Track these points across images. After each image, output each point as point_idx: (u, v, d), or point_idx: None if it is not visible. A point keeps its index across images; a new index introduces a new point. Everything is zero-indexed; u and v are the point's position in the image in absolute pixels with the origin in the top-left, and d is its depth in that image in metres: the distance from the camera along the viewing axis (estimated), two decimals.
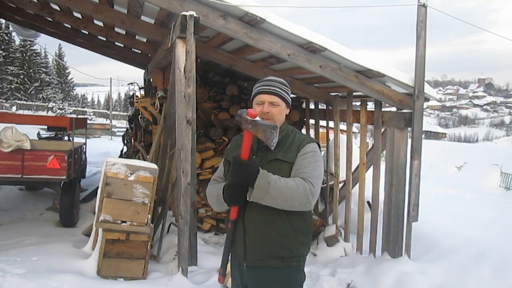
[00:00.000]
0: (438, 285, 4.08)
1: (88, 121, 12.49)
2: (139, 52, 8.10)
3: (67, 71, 51.62)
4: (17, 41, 38.08)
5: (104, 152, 13.85)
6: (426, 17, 4.40)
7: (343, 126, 6.08)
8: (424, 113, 4.88)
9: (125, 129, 12.64)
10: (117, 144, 16.38)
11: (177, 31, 3.89)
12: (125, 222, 4.08)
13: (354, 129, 7.95)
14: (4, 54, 36.88)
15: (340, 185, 6.11)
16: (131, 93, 9.29)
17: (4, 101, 33.36)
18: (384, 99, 4.76)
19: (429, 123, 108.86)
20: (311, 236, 2.15)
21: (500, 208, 9.90)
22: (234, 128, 6.36)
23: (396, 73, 4.52)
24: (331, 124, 6.25)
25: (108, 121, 34.84)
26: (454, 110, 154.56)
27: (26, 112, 30.82)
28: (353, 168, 5.66)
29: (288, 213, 1.95)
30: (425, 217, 5.27)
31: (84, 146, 7.85)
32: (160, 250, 4.76)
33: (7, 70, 37.62)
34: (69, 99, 51.19)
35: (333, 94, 6.00)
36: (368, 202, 6.10)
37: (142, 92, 8.15)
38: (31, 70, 39.26)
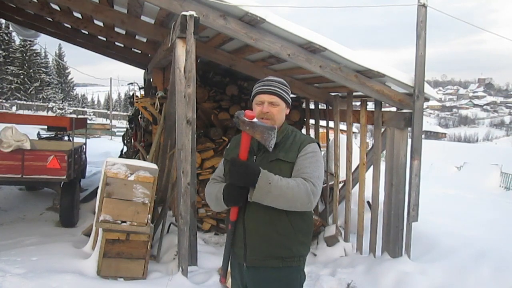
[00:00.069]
0: (438, 285, 4.08)
1: (88, 121, 12.49)
2: (139, 52, 8.10)
3: (67, 71, 51.63)
4: (17, 41, 38.10)
5: (104, 152, 13.85)
6: (426, 17, 4.40)
7: (343, 126, 6.08)
8: (424, 113, 4.88)
9: (125, 129, 12.64)
10: (117, 144, 16.38)
11: (177, 31, 3.89)
12: (125, 222, 4.08)
13: (354, 129, 7.96)
14: (4, 54, 36.88)
15: (340, 185, 6.11)
16: (131, 93, 9.29)
17: (4, 101, 33.36)
18: (384, 99, 4.76)
19: (429, 123, 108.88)
20: (311, 236, 2.15)
21: (500, 208, 9.90)
22: (234, 128, 6.36)
23: (396, 73, 4.52)
24: (331, 124, 6.25)
25: (108, 121, 34.85)
26: (454, 110, 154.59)
27: (26, 112, 30.82)
28: (353, 168, 5.66)
29: (288, 213, 1.95)
30: (425, 217, 5.27)
31: (84, 146, 7.85)
32: (160, 250, 4.76)
33: (7, 70, 37.62)
34: (69, 99, 51.19)
35: (333, 94, 6.00)
36: (368, 202, 6.10)
37: (142, 92, 8.15)
38: (31, 70, 39.26)
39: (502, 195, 13.40)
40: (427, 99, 4.73)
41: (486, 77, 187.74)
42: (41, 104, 37.20)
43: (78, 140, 7.82)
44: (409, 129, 4.69)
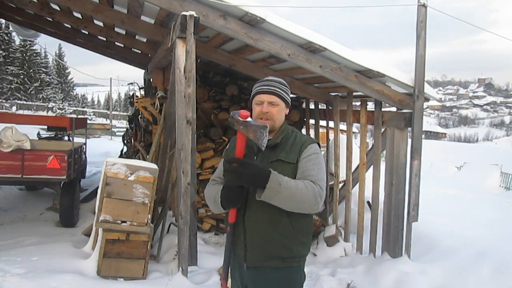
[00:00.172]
0: (438, 285, 4.08)
1: (88, 121, 12.49)
2: (139, 52, 8.10)
3: (67, 71, 51.61)
4: (17, 41, 38.10)
5: (104, 152, 13.86)
6: (426, 17, 4.40)
7: (343, 126, 6.08)
8: (424, 113, 4.88)
9: (125, 129, 12.64)
10: (117, 144, 16.38)
11: (177, 31, 3.89)
12: (125, 222, 4.08)
13: (354, 129, 7.96)
14: (4, 54, 36.88)
15: (340, 185, 6.11)
16: (131, 93, 9.28)
17: (4, 101, 33.36)
18: (384, 99, 4.76)
19: (429, 123, 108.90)
20: (311, 236, 2.15)
21: (500, 208, 9.90)
22: (234, 128, 6.35)
23: (396, 73, 4.52)
24: (331, 124, 6.25)
25: (108, 121, 34.84)
26: (454, 110, 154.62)
27: (26, 112, 30.82)
28: (353, 168, 5.66)
29: (288, 214, 1.94)
30: (425, 217, 5.27)
31: (84, 146, 7.85)
32: (160, 250, 4.76)
33: (7, 70, 37.62)
34: (69, 99, 51.18)
35: (333, 94, 6.00)
36: (368, 202, 6.10)
37: (142, 92, 8.14)
38: (31, 70, 39.25)
39: (502, 195, 13.41)
40: (427, 99, 4.73)
41: (486, 77, 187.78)
42: (41, 104, 37.20)
43: (78, 140, 7.82)
44: (409, 129, 4.69)
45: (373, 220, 4.99)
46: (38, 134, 8.95)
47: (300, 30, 4.05)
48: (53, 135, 8.72)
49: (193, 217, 4.29)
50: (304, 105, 7.10)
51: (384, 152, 5.07)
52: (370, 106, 5.53)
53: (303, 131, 7.10)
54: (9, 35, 37.12)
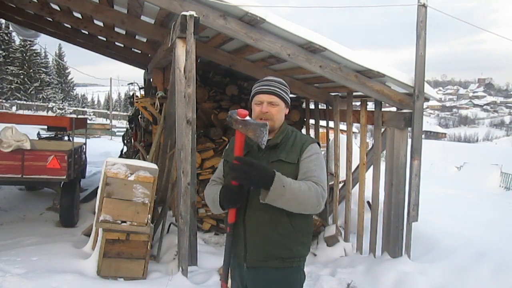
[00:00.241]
0: (438, 285, 4.08)
1: (88, 121, 12.49)
2: (139, 52, 8.10)
3: (67, 71, 51.61)
4: (17, 41, 38.09)
5: (104, 152, 13.86)
6: (426, 17, 4.40)
7: (343, 126, 6.08)
8: (424, 113, 4.88)
9: (125, 129, 12.64)
10: (117, 144, 16.38)
11: (177, 31, 3.89)
12: (125, 222, 4.08)
13: (354, 129, 7.95)
14: (4, 54, 36.88)
15: (340, 185, 6.11)
16: (131, 93, 9.28)
17: (4, 101, 33.36)
18: (384, 99, 4.76)
19: (429, 123, 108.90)
20: (311, 236, 2.15)
21: (500, 208, 9.90)
22: (232, 127, 6.35)
23: (396, 73, 4.52)
24: (331, 124, 6.25)
25: (108, 121, 34.84)
26: (454, 110, 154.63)
27: (26, 112, 30.82)
28: (353, 168, 5.66)
29: (289, 214, 1.94)
30: (425, 217, 5.27)
31: (84, 146, 7.85)
32: (160, 250, 4.76)
33: (7, 70, 37.62)
34: (69, 99, 51.18)
35: (333, 94, 6.00)
36: (368, 202, 6.10)
37: (142, 92, 8.14)
38: (31, 70, 39.25)
39: (502, 195, 13.41)
40: (427, 99, 4.73)
41: (486, 77, 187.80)
42: (41, 104, 37.20)
43: (78, 140, 7.82)
44: (409, 129, 4.69)
45: (373, 220, 4.99)
46: (38, 134, 8.94)
47: (300, 30, 4.05)
48: (53, 135, 8.71)
49: (193, 217, 4.29)
50: (304, 105, 7.10)
51: (384, 152, 5.07)
52: (370, 106, 5.53)
53: (303, 131, 7.10)
54: (9, 35, 37.12)
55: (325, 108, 6.61)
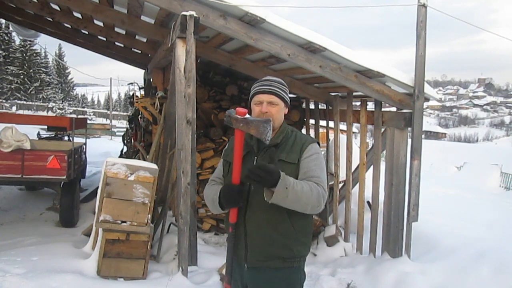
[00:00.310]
0: (438, 285, 4.08)
1: (88, 121, 12.49)
2: (139, 52, 8.10)
3: (67, 71, 51.62)
4: (17, 41, 38.09)
5: (104, 152, 13.86)
6: (426, 17, 4.40)
7: (343, 126, 6.08)
8: (424, 113, 4.88)
9: (125, 129, 12.64)
10: (117, 144, 16.38)
11: (177, 31, 3.89)
12: (125, 222, 4.08)
13: (354, 129, 7.95)
14: (4, 54, 36.88)
15: (340, 185, 6.11)
16: (131, 93, 9.29)
17: (4, 101, 33.36)
18: (384, 99, 4.76)
19: (429, 123, 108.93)
20: (311, 236, 2.15)
21: (500, 208, 9.90)
22: (231, 126, 6.35)
23: (396, 73, 4.52)
24: (331, 124, 6.25)
25: (108, 121, 34.85)
26: (454, 110, 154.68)
27: (26, 112, 30.81)
28: (353, 168, 5.66)
29: (289, 214, 1.95)
30: (425, 217, 5.27)
31: (84, 146, 7.85)
32: (160, 250, 4.76)
33: (7, 70, 37.62)
34: (69, 99, 51.18)
35: (333, 94, 6.00)
36: (368, 202, 6.10)
37: (142, 92, 8.15)
38: (31, 70, 39.25)
39: (502, 195, 13.41)
40: (427, 99, 4.73)
41: (486, 77, 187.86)
42: (41, 104, 37.20)
43: (78, 140, 7.82)
44: (409, 129, 4.69)
45: (373, 220, 4.99)
46: (38, 134, 8.94)
47: (300, 30, 4.05)
48: (53, 135, 8.71)
49: (193, 217, 4.29)
50: (304, 105, 7.10)
51: (384, 152, 5.07)
52: (370, 106, 5.52)
53: (303, 131, 7.10)
54: (9, 35, 37.12)
55: (325, 108, 6.60)
